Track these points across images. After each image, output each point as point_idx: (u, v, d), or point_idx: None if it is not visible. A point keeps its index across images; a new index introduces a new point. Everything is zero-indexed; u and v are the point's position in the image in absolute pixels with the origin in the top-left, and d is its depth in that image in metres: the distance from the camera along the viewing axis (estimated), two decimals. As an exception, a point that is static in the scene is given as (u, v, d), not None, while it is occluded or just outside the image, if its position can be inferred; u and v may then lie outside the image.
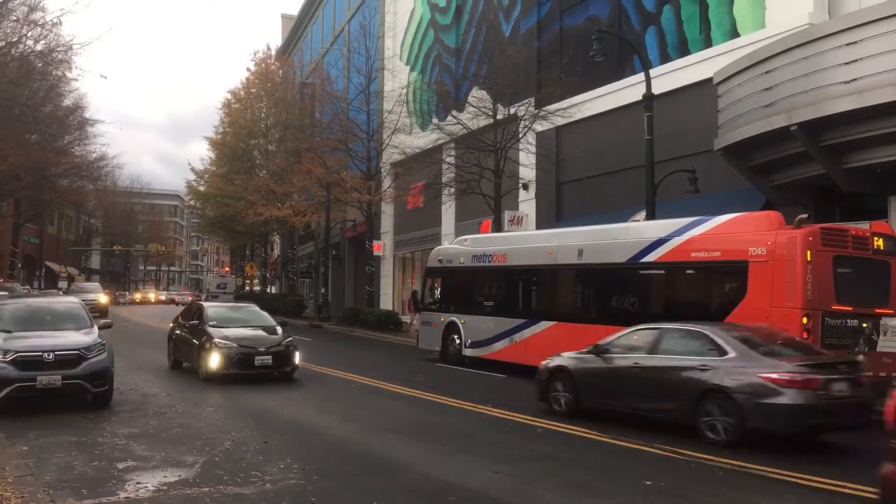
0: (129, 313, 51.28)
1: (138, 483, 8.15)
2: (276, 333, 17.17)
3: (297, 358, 17.00)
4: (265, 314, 18.80)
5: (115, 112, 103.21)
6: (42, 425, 11.16)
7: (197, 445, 9.97)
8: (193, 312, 18.56)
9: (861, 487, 8.43)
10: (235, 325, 17.28)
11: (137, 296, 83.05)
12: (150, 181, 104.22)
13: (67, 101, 45.58)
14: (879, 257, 13.61)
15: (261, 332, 17.03)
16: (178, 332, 18.65)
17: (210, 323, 17.16)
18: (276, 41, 72.96)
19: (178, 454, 9.51)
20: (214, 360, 16.03)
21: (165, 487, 8.00)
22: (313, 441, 10.47)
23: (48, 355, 12.17)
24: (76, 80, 45.96)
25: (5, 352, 12.08)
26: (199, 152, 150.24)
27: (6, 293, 21.52)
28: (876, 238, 13.62)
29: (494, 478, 8.58)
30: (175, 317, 20.44)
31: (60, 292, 38.98)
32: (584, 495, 8.03)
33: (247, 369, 16.11)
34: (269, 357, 16.34)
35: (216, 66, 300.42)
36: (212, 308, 18.52)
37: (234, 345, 16.18)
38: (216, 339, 16.27)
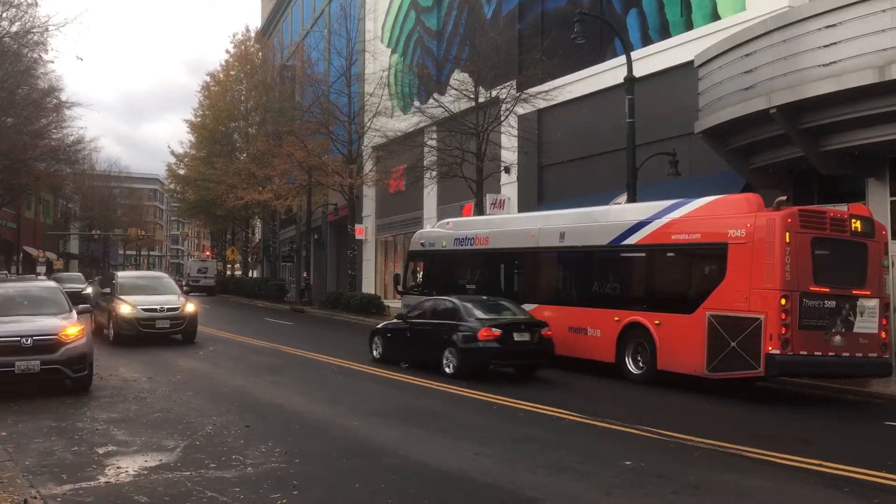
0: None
1: (119, 468, 8.12)
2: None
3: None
4: None
5: (69, 92, 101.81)
6: (21, 411, 11.09)
7: (178, 430, 9.95)
8: None
9: (836, 466, 8.57)
10: None
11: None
12: (128, 165, 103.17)
13: (43, 84, 44.92)
14: (857, 239, 13.74)
15: None
16: None
17: None
18: (256, 22, 72.36)
19: (158, 439, 9.49)
20: None
21: (146, 472, 7.98)
22: (295, 424, 10.46)
23: (26, 340, 12.07)
24: (52, 62, 45.25)
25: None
26: (155, 133, 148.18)
27: (-17, 278, 21.33)
28: (853, 220, 13.75)
29: (475, 459, 8.62)
30: None
31: (39, 277, 38.18)
32: (564, 476, 8.09)
33: None
34: None
35: (175, 44, 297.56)
36: None
37: None
38: None
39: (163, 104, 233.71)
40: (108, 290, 21.44)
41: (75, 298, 34.70)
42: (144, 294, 20.68)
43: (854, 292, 13.50)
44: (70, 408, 11.45)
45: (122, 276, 23.81)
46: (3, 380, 12.03)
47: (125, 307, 19.74)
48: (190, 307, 20.65)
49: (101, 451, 8.88)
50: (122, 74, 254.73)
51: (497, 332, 14.92)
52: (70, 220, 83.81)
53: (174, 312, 20.16)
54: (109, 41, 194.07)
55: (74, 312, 13.76)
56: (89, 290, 35.36)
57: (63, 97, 47.28)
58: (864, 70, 14.46)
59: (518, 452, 9.04)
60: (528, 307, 18.01)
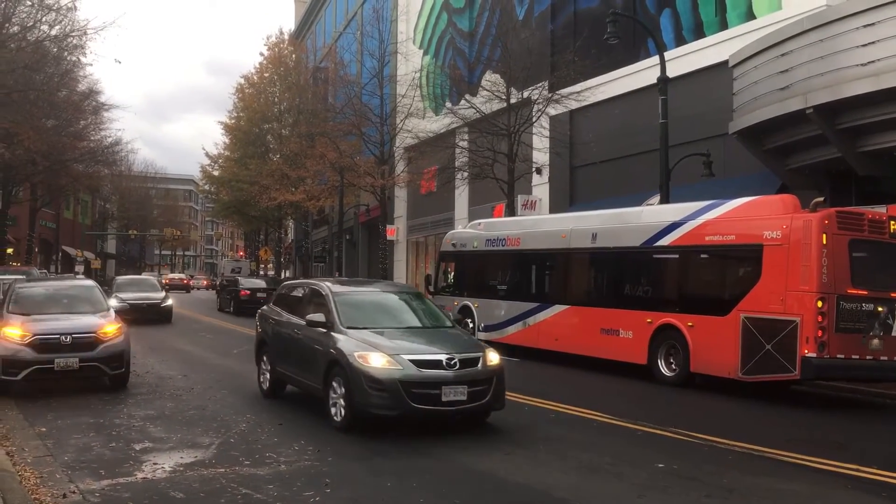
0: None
1: (155, 464, 8.26)
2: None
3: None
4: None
5: (105, 94, 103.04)
6: (60, 407, 11.31)
7: (212, 427, 10.08)
8: None
9: (873, 471, 8.44)
10: None
11: None
12: (164, 166, 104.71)
13: (82, 86, 45.75)
14: (896, 241, 13.51)
15: None
16: None
17: None
18: (289, 24, 72.91)
19: (193, 436, 9.62)
20: None
21: (182, 468, 8.10)
22: (328, 424, 10.53)
23: (65, 338, 12.32)
24: (90, 65, 46.23)
25: (23, 334, 12.24)
26: (176, 133, 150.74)
27: (24, 277, 21.67)
28: (892, 222, 13.52)
29: (506, 459, 8.63)
30: None
31: (77, 276, 38.37)
32: (595, 477, 8.07)
33: None
34: None
35: (195, 46, 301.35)
36: None
37: None
38: None
39: (183, 105, 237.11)
40: (318, 316, 10.85)
41: (150, 312, 26.83)
42: (394, 326, 11.01)
43: (893, 295, 13.27)
44: (108, 404, 11.65)
45: (339, 290, 11.65)
46: (42, 376, 12.30)
47: (376, 357, 9.76)
48: (493, 356, 10.34)
49: (137, 447, 9.03)
50: (143, 76, 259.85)
51: (247, 291, 32.44)
52: (108, 221, 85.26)
53: (472, 369, 9.92)
54: (132, 44, 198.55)
55: (112, 311, 14.03)
56: (170, 301, 28.88)
57: (101, 99, 48.13)
58: (903, 69, 14.22)
59: (549, 453, 9.03)
60: (559, 308, 18.01)
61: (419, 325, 11.32)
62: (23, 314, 13.01)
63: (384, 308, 11.67)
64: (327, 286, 11.69)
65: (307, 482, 7.57)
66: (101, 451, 8.82)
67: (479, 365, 9.99)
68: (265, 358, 12.68)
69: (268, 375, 12.55)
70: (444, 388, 9.55)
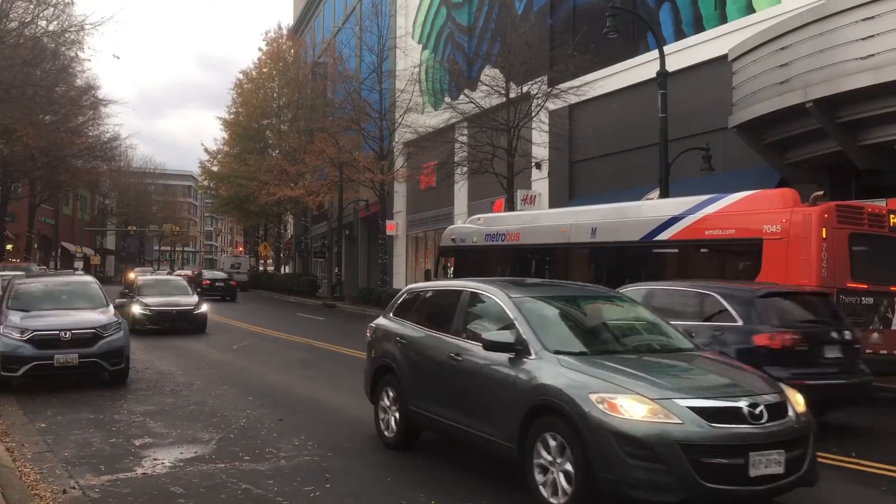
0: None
1: (155, 459, 8.26)
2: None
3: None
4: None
5: (104, 90, 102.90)
6: (60, 403, 11.31)
7: (213, 423, 10.08)
8: None
9: (872, 464, 8.45)
10: None
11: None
12: (163, 161, 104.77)
13: (79, 82, 45.77)
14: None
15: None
16: None
17: None
18: (288, 20, 72.80)
19: (194, 431, 9.62)
20: None
21: (182, 464, 8.10)
22: (328, 419, 10.53)
23: (65, 334, 12.32)
24: (88, 60, 46.36)
25: (22, 330, 12.25)
26: (168, 128, 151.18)
27: (23, 273, 21.65)
28: (892, 215, 13.49)
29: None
30: None
31: (77, 272, 37.94)
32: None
33: None
34: None
35: (186, 40, 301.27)
36: None
37: None
38: None
39: (177, 101, 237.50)
40: (502, 335, 7.14)
41: (181, 321, 21.89)
42: (616, 349, 7.22)
43: (893, 289, 13.25)
44: (107, 400, 11.65)
45: (521, 294, 7.71)
46: (42, 373, 12.31)
47: (630, 402, 5.93)
48: (799, 398, 6.62)
49: (137, 442, 9.03)
50: (136, 71, 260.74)
51: (208, 281, 33.49)
52: (106, 216, 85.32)
53: (785, 422, 6.19)
54: (126, 39, 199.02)
55: (111, 307, 14.01)
56: (204, 307, 23.17)
57: (99, 95, 48.13)
58: (903, 63, 14.19)
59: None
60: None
61: (651, 346, 7.46)
62: (22, 310, 13.01)
63: (591, 321, 7.92)
64: (499, 289, 7.81)
65: (307, 477, 7.57)
66: (101, 446, 8.82)
67: (791, 413, 6.28)
68: (390, 392, 8.78)
69: (396, 417, 8.66)
70: (752, 454, 5.81)
